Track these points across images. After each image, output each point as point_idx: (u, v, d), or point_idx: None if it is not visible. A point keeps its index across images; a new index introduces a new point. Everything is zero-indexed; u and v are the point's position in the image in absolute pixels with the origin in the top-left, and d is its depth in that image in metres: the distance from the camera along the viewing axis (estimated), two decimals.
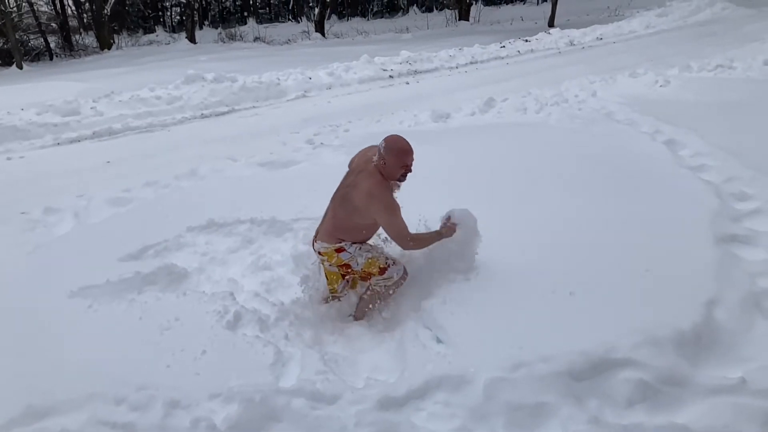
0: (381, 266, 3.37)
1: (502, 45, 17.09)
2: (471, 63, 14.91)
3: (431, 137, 7.01)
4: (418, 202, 3.67)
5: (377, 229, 3.40)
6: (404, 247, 3.31)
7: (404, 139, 3.27)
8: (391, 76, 13.39)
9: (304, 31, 27.81)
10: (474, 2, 30.38)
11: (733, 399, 2.54)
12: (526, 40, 17.57)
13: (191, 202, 5.46)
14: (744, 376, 2.61)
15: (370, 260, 3.36)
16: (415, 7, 34.91)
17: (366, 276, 3.42)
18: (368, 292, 3.51)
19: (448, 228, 3.43)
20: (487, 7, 32.16)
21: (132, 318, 3.49)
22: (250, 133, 8.55)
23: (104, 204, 5.59)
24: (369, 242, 3.46)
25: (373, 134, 7.51)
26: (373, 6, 36.57)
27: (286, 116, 9.68)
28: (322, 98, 11.27)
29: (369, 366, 3.08)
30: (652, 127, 6.71)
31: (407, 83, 12.57)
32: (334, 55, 16.68)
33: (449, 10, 30.76)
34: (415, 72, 13.89)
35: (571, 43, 17.12)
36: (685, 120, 6.81)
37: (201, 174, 6.33)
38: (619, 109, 7.79)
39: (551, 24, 24.16)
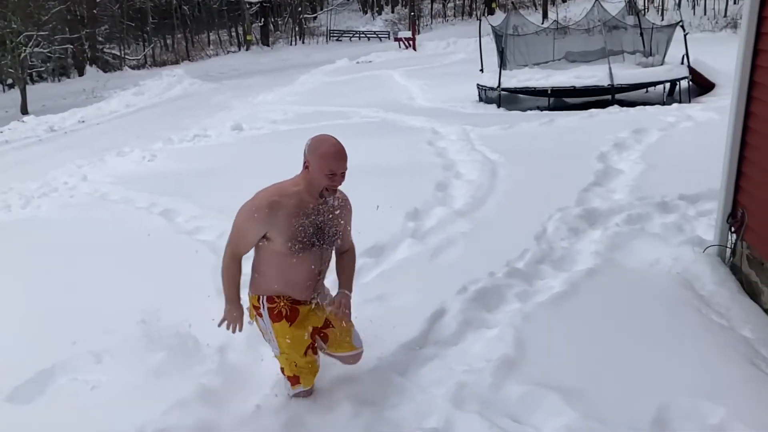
0: (287, 374, 2.82)
1: None
2: None
3: None
4: None
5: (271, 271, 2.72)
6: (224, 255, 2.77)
7: (334, 139, 2.54)
8: None
9: None
10: None
11: None
12: None
13: None
14: None
15: (279, 357, 2.81)
16: None
17: None
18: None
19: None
20: None
21: None
22: None
23: None
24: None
25: None
26: None
27: None
28: None
29: None
30: (148, 201, 6.92)
31: None
32: None
33: None
34: None
35: (52, 129, 16.20)
36: (176, 189, 7.27)
37: None
38: (112, 189, 7.77)
39: (25, 111, 22.44)
